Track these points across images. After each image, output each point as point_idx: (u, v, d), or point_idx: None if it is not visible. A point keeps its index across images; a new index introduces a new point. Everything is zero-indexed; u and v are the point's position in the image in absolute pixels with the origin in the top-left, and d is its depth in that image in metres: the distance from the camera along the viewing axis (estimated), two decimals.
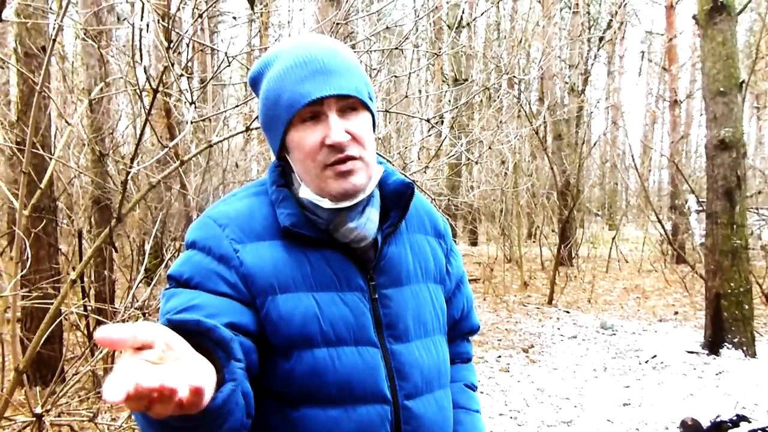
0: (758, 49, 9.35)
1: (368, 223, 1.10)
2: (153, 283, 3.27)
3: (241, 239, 1.04)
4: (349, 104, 1.06)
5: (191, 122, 1.93)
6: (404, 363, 1.10)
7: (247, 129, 2.83)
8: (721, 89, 6.16)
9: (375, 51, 8.27)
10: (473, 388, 1.40)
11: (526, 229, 15.35)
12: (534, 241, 14.22)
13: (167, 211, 5.25)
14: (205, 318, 0.84)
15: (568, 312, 8.86)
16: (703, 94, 6.46)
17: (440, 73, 12.90)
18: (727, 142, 6.13)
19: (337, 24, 6.77)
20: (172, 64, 1.81)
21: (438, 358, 1.18)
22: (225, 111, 3.27)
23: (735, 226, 6.18)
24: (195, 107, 1.91)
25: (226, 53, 1.96)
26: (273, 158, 1.19)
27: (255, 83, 1.12)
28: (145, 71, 2.05)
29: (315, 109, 1.04)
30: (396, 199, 1.16)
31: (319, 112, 1.04)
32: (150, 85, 2.06)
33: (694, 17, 6.66)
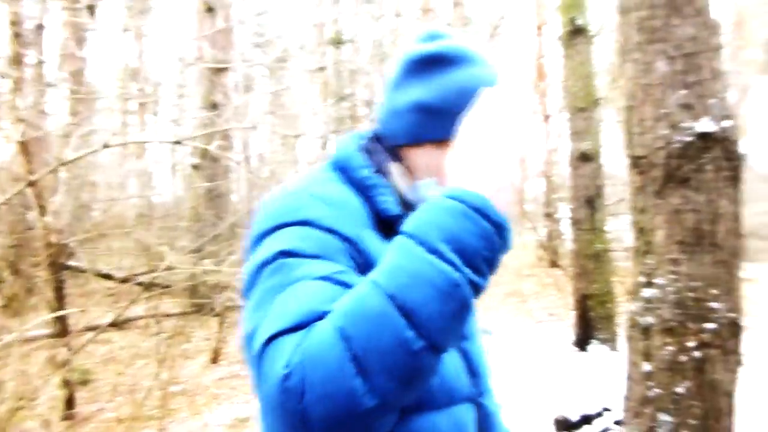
0: (617, 67, 10.21)
1: None
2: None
3: (357, 224, 0.95)
4: None
5: (21, 141, 1.79)
6: (473, 361, 1.10)
7: (106, 146, 2.67)
8: (581, 105, 6.65)
9: (256, 65, 8.17)
10: None
11: None
12: None
13: (23, 236, 4.85)
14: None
15: None
16: (566, 110, 6.96)
17: (325, 89, 12.98)
18: (588, 154, 6.63)
19: (216, 35, 6.63)
20: (3, 77, 1.67)
21: (483, 350, 1.18)
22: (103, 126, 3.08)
23: (596, 232, 6.68)
24: (28, 124, 1.76)
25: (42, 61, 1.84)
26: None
27: (439, 63, 1.05)
28: None
29: None
30: None
31: None
32: None
33: (557, 39, 7.16)
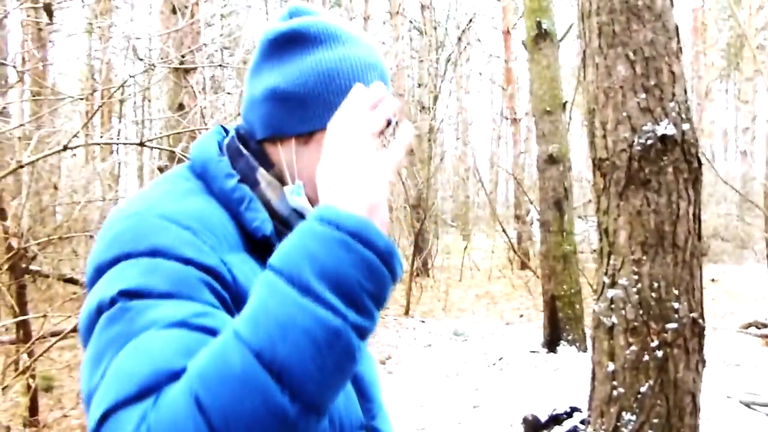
0: (581, 71, 10.38)
1: None
2: None
3: (221, 248, 0.78)
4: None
5: None
6: (364, 383, 0.99)
7: (65, 148, 2.62)
8: (548, 108, 6.74)
9: (223, 66, 8.11)
10: None
11: None
12: None
13: None
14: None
15: (423, 321, 9.16)
16: (533, 113, 7.04)
17: None
18: (555, 157, 6.72)
19: (182, 36, 6.54)
20: None
21: (375, 370, 1.08)
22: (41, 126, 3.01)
23: (564, 234, 6.77)
24: None
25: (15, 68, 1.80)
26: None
27: (297, 43, 0.89)
28: None
29: None
30: None
31: None
32: None
33: (522, 43, 7.24)
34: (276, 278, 0.64)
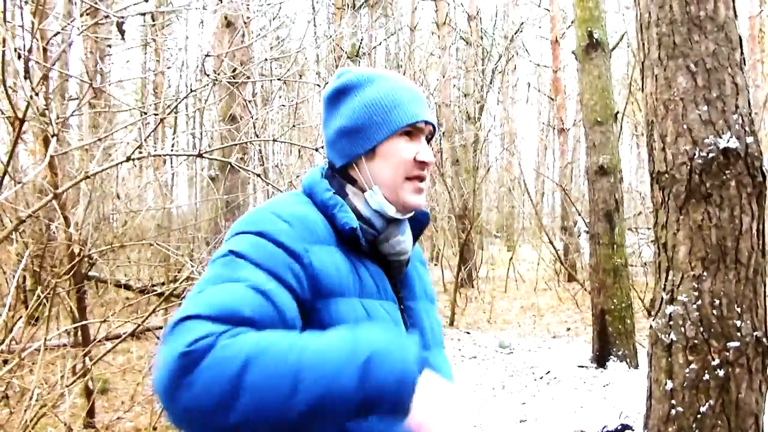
0: (633, 81, 10.18)
1: (408, 240, 1.27)
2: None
3: (309, 240, 1.10)
4: (430, 134, 1.27)
5: (51, 155, 1.84)
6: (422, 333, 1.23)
7: (128, 159, 2.72)
8: (598, 119, 6.63)
9: (274, 78, 8.27)
10: None
11: (429, 253, 15.68)
12: (436, 264, 14.55)
13: (45, 246, 4.91)
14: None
15: (468, 333, 9.09)
16: (583, 124, 6.93)
17: None
18: (606, 168, 6.59)
19: (236, 49, 6.71)
20: (37, 93, 1.72)
21: (446, 369, 1.31)
22: (108, 139, 3.13)
23: (615, 246, 6.62)
24: (57, 138, 1.82)
25: (90, 82, 1.88)
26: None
27: (345, 92, 1.24)
28: (9, 99, 1.92)
29: (417, 128, 1.23)
30: (416, 225, 1.33)
31: (416, 132, 1.23)
32: (15, 114, 1.94)
33: (573, 52, 7.15)
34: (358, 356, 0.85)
